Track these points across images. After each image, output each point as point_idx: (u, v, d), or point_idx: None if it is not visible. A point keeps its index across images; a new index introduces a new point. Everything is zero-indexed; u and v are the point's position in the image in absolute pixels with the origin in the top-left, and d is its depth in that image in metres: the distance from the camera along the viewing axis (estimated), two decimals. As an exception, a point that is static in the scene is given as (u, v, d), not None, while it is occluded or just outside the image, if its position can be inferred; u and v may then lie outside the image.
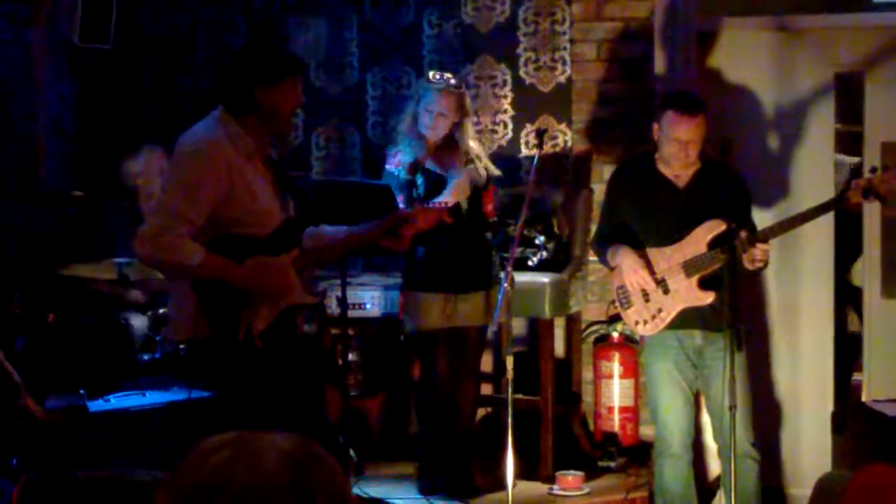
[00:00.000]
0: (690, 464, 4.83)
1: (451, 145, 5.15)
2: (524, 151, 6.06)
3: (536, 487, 5.34)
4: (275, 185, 3.87)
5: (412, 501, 5.14)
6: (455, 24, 6.11)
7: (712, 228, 4.61)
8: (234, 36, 6.29)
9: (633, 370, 5.63)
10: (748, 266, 4.60)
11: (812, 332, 5.81)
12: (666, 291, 4.69)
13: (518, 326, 5.84)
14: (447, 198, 4.87)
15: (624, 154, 5.73)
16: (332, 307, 5.52)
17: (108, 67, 6.07)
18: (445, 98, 5.08)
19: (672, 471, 4.79)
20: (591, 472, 5.47)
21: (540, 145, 4.77)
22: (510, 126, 6.09)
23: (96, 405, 4.58)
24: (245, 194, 3.74)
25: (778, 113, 5.84)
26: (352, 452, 5.01)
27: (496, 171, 5.28)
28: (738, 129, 5.70)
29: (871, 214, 5.71)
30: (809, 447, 5.76)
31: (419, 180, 5.07)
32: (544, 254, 5.52)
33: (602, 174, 5.81)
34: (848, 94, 6.01)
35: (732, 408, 4.34)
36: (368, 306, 5.68)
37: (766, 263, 4.64)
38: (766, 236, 4.57)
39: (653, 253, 4.73)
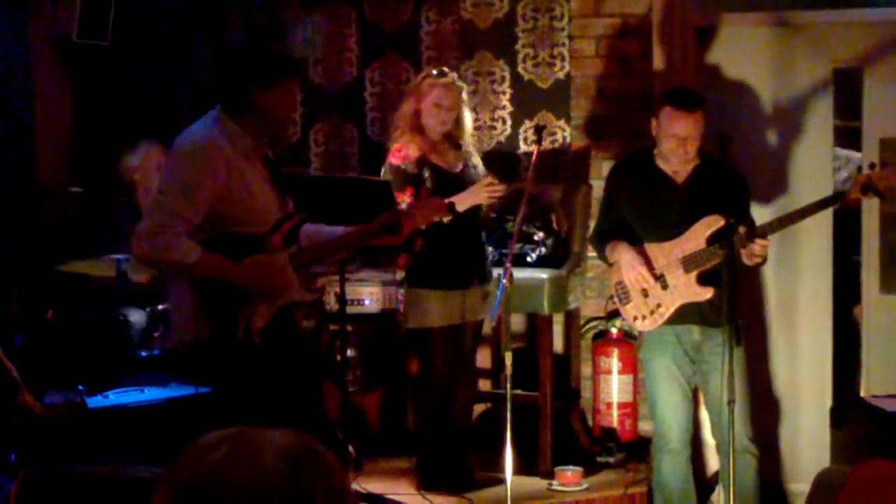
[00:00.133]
0: (689, 459, 4.84)
1: (452, 140, 5.17)
2: (523, 147, 6.05)
3: (535, 483, 5.34)
4: (272, 183, 3.88)
5: (411, 497, 5.14)
6: (453, 21, 6.11)
7: (711, 224, 4.61)
8: (233, 32, 6.28)
9: (631, 366, 5.63)
10: (747, 261, 4.60)
11: (810, 328, 5.80)
12: (665, 287, 4.69)
13: (517, 322, 5.84)
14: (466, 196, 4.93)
15: (623, 150, 5.72)
16: (331, 303, 5.53)
17: (106, 64, 6.06)
18: (452, 93, 5.09)
19: (671, 466, 4.79)
20: (590, 468, 5.47)
21: (539, 141, 4.77)
22: (509, 122, 6.09)
23: (95, 401, 4.59)
24: (243, 193, 3.75)
25: (776, 109, 5.83)
26: (350, 448, 5.01)
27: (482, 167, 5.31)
28: (737, 125, 5.69)
29: (870, 210, 5.71)
30: (808, 442, 5.76)
31: (425, 174, 5.08)
32: (543, 250, 5.53)
33: (601, 170, 5.80)
34: (846, 89, 6.00)
35: (731, 403, 4.34)
36: (367, 302, 5.68)
37: (764, 259, 4.64)
38: (764, 232, 4.57)
39: (651, 248, 4.73)
